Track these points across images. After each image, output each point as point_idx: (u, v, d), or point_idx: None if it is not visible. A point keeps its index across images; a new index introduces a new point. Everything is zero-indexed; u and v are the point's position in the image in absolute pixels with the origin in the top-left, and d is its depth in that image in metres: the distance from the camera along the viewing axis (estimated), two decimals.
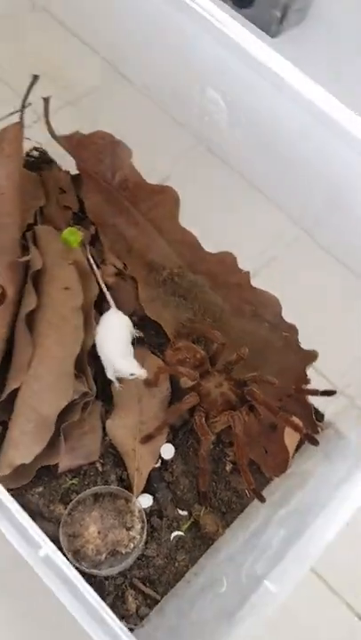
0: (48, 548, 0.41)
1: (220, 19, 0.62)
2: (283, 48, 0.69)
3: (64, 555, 0.65)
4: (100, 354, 0.74)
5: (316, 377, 0.84)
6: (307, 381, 0.77)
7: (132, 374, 0.72)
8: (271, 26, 0.71)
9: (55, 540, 0.66)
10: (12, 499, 0.43)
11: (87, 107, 0.98)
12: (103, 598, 0.65)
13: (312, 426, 0.74)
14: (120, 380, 0.73)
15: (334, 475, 0.55)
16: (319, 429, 0.75)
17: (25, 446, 0.68)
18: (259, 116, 0.67)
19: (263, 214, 0.90)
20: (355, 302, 0.88)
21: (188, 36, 0.67)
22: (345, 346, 0.84)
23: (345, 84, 0.73)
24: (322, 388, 0.86)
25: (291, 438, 0.72)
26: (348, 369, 0.84)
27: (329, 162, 0.71)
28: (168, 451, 0.73)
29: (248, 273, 0.79)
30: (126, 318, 0.77)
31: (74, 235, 0.79)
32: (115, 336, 0.75)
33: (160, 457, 0.73)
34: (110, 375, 0.73)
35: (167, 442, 0.73)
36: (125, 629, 0.40)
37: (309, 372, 0.81)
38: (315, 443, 0.69)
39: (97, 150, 0.80)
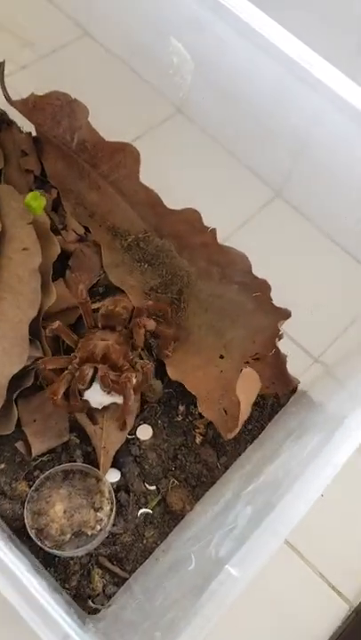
0: None
1: None
2: None
3: (27, 532, 0.63)
4: None
5: (291, 345, 0.82)
6: (280, 336, 0.73)
7: None
8: None
9: (17, 519, 0.64)
10: None
11: (53, 65, 0.93)
12: (68, 578, 0.63)
13: (285, 381, 0.72)
14: None
15: (306, 447, 0.53)
16: (294, 386, 0.73)
17: None
18: (224, 68, 0.63)
19: (235, 176, 0.87)
20: (334, 268, 0.85)
21: None
22: (322, 313, 0.81)
23: (321, 30, 0.69)
24: (296, 356, 0.84)
25: (247, 391, 0.68)
26: (325, 336, 0.82)
27: (299, 117, 0.68)
28: (145, 432, 0.70)
29: (214, 230, 0.75)
30: None
31: (37, 199, 0.75)
32: None
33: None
34: None
35: (143, 422, 0.71)
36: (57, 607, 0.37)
37: (287, 341, 0.79)
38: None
39: (53, 112, 0.76)
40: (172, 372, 0.71)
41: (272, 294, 0.75)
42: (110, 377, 0.65)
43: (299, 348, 0.83)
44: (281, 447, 0.60)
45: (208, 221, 0.77)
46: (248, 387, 0.65)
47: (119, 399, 0.66)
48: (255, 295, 0.74)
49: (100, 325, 0.71)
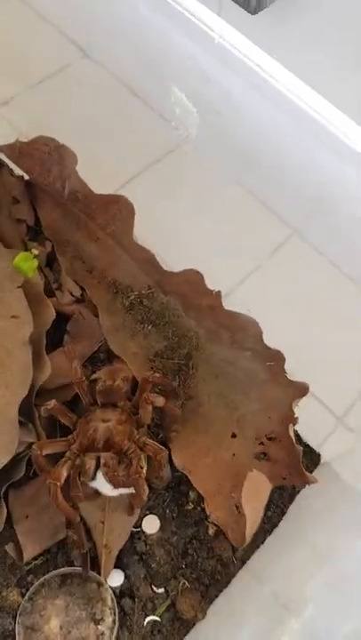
0: None
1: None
2: (262, 25, 0.57)
3: None
4: None
5: (316, 405, 0.74)
6: (294, 420, 0.65)
7: None
8: (251, 1, 0.58)
9: (8, 635, 0.57)
10: None
11: (48, 91, 0.85)
12: None
13: (299, 476, 0.62)
14: None
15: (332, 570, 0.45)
16: (309, 481, 0.63)
17: None
18: (228, 113, 0.55)
19: (250, 217, 0.78)
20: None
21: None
22: (350, 370, 0.73)
23: (328, 66, 0.61)
24: (321, 418, 0.76)
25: (255, 498, 0.60)
26: (353, 396, 0.73)
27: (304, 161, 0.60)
28: (151, 524, 0.63)
29: (219, 292, 0.68)
30: None
31: (28, 261, 0.67)
32: None
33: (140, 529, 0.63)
34: None
35: (149, 512, 0.63)
36: None
37: (306, 399, 0.71)
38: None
39: (42, 159, 0.68)
40: (177, 460, 0.63)
41: (292, 350, 0.67)
42: (119, 474, 0.57)
43: (325, 409, 0.75)
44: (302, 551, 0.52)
45: (218, 266, 0.69)
46: (256, 493, 0.57)
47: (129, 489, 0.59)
48: (269, 364, 0.66)
49: (98, 403, 0.63)
